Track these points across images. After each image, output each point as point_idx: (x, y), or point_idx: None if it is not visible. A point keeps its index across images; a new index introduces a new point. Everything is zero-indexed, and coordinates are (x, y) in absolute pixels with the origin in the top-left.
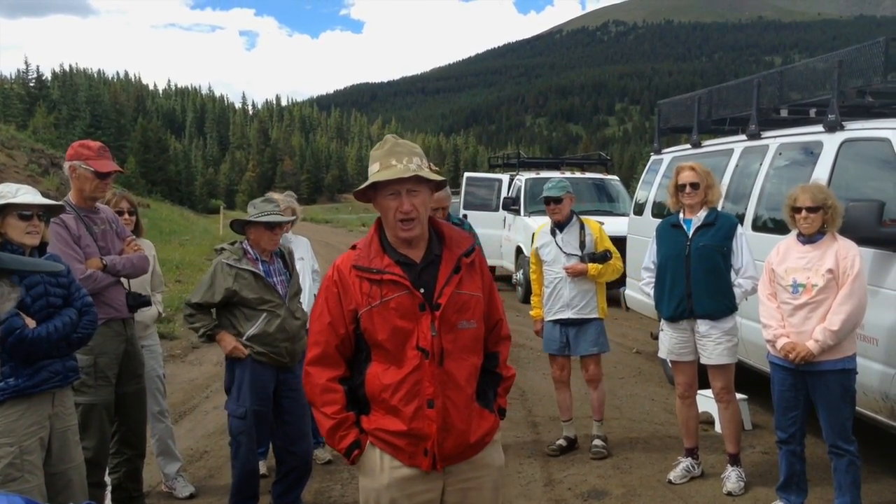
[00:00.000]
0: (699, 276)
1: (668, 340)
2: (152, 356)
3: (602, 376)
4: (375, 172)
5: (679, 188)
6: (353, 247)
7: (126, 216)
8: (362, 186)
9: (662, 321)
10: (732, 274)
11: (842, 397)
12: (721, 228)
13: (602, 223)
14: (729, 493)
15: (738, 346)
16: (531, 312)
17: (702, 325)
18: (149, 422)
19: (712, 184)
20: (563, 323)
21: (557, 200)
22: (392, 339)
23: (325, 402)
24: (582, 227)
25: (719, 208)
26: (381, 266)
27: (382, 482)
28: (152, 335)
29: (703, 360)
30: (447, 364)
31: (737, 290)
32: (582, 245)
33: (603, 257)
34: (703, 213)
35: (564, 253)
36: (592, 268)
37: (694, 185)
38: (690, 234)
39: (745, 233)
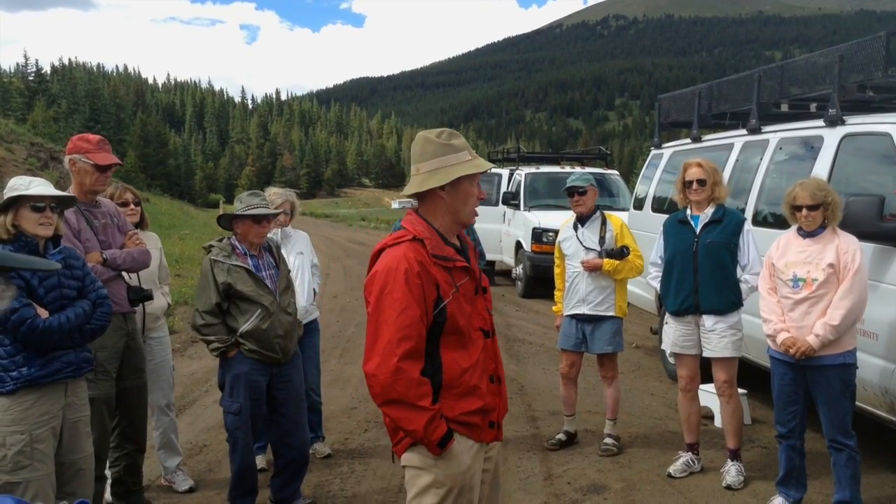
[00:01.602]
0: (707, 273)
1: (672, 333)
2: (162, 347)
3: (617, 375)
4: (471, 161)
5: (686, 184)
6: (415, 238)
7: (131, 206)
8: (485, 170)
9: (667, 315)
10: (738, 270)
11: (842, 392)
12: (729, 225)
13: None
14: (728, 487)
15: (742, 340)
16: (553, 308)
17: (707, 320)
18: (154, 414)
19: (719, 181)
20: (580, 318)
21: (582, 192)
22: (467, 324)
23: (420, 395)
24: (604, 221)
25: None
26: (451, 254)
27: (466, 463)
28: (162, 326)
29: (707, 353)
30: (493, 340)
31: (743, 286)
32: (602, 240)
33: (620, 253)
34: (710, 210)
35: (584, 247)
36: (607, 263)
37: (701, 182)
38: (698, 230)
39: (751, 229)
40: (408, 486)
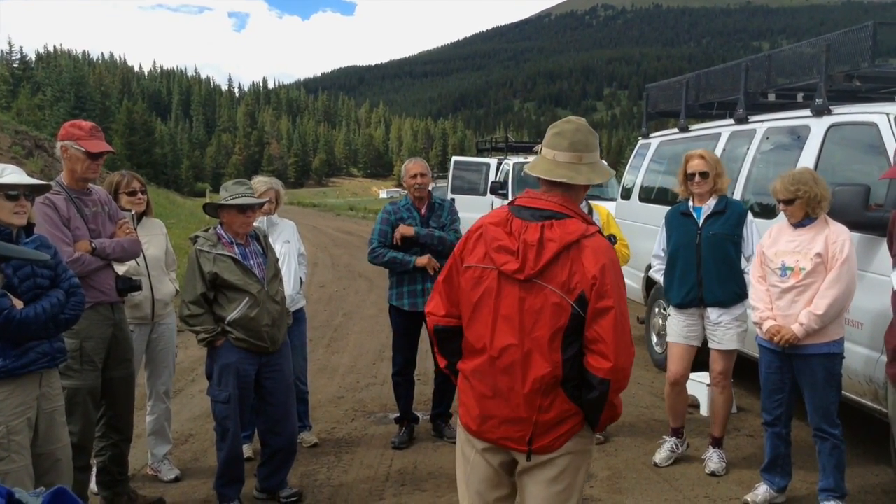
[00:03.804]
0: (710, 265)
1: (677, 325)
2: (169, 333)
3: None
4: None
5: (688, 177)
6: (599, 230)
7: (139, 195)
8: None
9: (670, 307)
10: (743, 261)
11: (826, 381)
12: (731, 216)
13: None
14: (712, 474)
15: (747, 332)
16: None
17: (712, 313)
18: (151, 399)
19: (722, 172)
20: None
21: None
22: None
23: None
24: (590, 211)
25: None
26: None
27: None
28: (170, 313)
29: (713, 346)
30: None
31: (748, 278)
32: None
33: None
34: (712, 201)
35: None
36: None
37: (703, 174)
38: (701, 222)
39: (754, 220)
40: (567, 471)
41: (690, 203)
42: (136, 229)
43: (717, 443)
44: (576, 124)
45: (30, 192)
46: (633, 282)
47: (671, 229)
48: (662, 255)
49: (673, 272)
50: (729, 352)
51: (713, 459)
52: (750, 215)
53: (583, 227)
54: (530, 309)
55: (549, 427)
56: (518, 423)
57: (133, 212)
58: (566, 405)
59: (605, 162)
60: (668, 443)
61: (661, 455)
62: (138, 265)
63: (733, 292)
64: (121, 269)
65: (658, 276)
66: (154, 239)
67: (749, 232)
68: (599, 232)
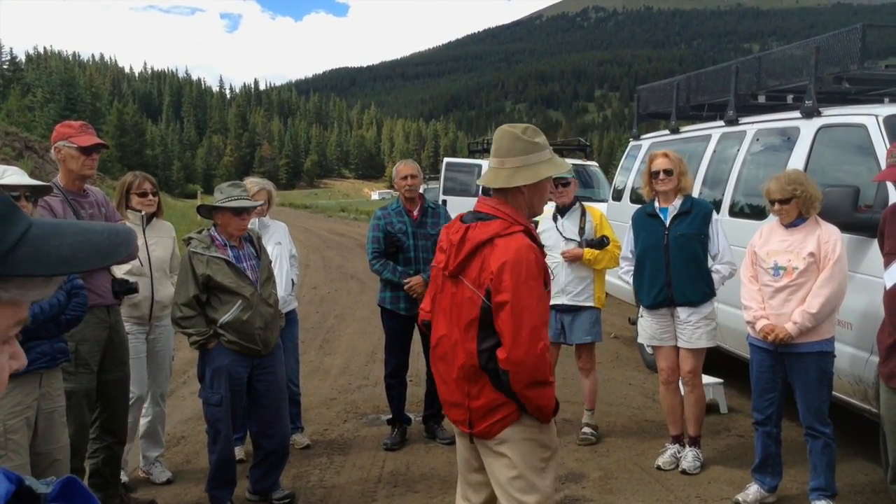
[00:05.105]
0: (679, 265)
1: (649, 327)
2: (167, 336)
3: (595, 365)
4: (551, 160)
5: (653, 175)
6: (525, 228)
7: (150, 197)
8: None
9: (642, 308)
10: (710, 260)
11: (819, 379)
12: (698, 216)
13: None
14: (684, 472)
15: (716, 330)
16: None
17: (682, 312)
18: (147, 401)
19: (685, 171)
20: (559, 309)
21: (566, 183)
22: None
23: (550, 371)
24: (583, 213)
25: (696, 194)
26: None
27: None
28: (168, 316)
29: (681, 344)
30: None
31: (715, 276)
32: (581, 231)
33: (600, 243)
34: (678, 202)
35: (564, 238)
36: (588, 252)
37: (668, 172)
38: (668, 223)
39: (721, 219)
40: (515, 458)
41: (656, 204)
42: (144, 230)
43: (693, 442)
44: (500, 132)
45: (31, 193)
46: (623, 283)
47: (638, 231)
48: (630, 256)
49: (642, 274)
50: (699, 350)
51: (688, 458)
52: (715, 214)
53: (501, 227)
54: (456, 302)
55: (483, 413)
56: (457, 407)
57: (143, 213)
58: (493, 394)
59: (556, 158)
60: (671, 450)
61: (664, 459)
62: (142, 265)
63: (702, 291)
64: (124, 268)
65: (627, 278)
66: (161, 241)
67: (715, 231)
68: (525, 232)
